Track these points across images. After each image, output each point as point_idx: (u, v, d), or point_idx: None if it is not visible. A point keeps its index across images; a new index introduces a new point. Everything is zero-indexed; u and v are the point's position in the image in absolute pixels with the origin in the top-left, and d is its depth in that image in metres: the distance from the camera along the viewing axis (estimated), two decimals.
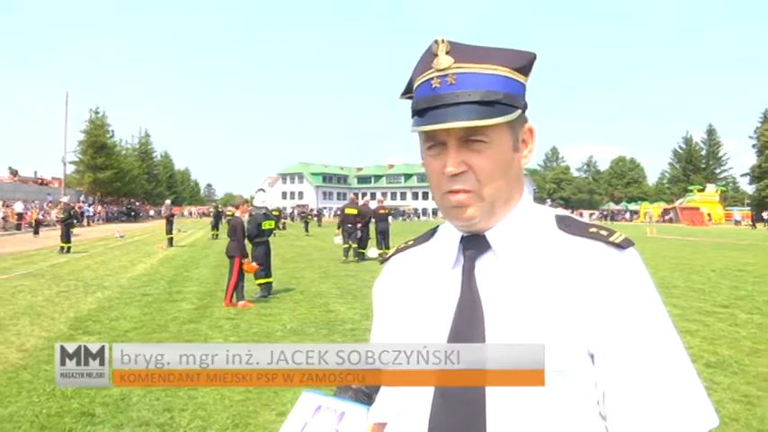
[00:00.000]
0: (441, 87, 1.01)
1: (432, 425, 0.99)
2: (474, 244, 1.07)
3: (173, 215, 26.27)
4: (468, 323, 1.01)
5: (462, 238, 1.08)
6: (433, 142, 1.03)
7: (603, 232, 1.02)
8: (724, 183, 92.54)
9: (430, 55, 1.03)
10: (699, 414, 0.94)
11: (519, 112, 1.03)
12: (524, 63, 1.04)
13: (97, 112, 63.20)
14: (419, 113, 1.04)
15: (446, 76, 1.00)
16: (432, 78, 1.02)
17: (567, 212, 1.12)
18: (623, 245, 1.00)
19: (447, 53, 1.00)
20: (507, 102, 1.00)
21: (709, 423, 0.94)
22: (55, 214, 35.65)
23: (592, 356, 0.97)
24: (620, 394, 0.95)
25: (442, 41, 1.01)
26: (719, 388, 5.36)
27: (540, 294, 0.98)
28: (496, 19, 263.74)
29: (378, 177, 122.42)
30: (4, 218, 34.97)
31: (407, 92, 1.11)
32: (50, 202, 46.12)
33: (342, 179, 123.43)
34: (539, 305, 0.97)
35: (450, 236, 1.12)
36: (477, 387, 0.97)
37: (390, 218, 22.02)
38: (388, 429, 1.12)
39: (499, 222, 1.06)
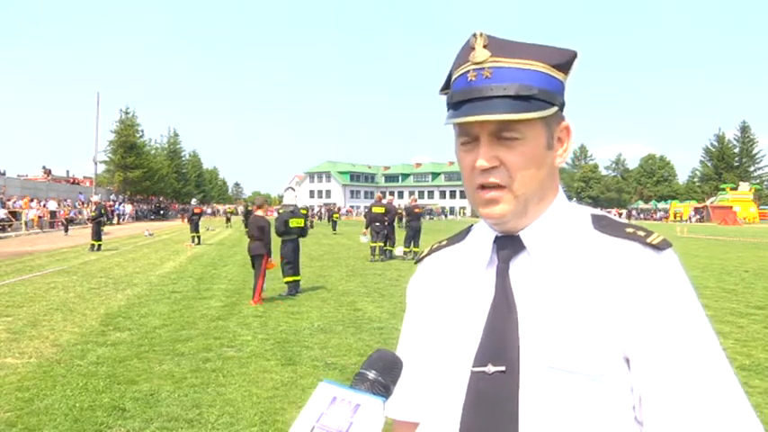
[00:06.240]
0: (476, 80, 0.99)
1: (463, 427, 0.98)
2: (508, 244, 1.05)
3: (195, 215, 25.88)
4: (501, 324, 0.99)
5: (496, 238, 1.06)
6: (467, 137, 1.01)
7: (641, 233, 0.99)
8: (758, 181, 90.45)
9: (467, 48, 1.01)
10: (741, 423, 0.89)
11: (555, 109, 1.00)
12: (563, 60, 1.01)
13: (127, 112, 64.11)
14: (454, 106, 1.01)
15: (482, 69, 0.98)
16: (468, 71, 1.00)
17: (603, 212, 1.09)
18: (661, 246, 0.97)
19: (484, 47, 0.99)
20: (543, 98, 0.98)
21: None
22: (87, 213, 36.29)
23: (627, 361, 0.94)
24: (657, 400, 0.92)
25: (480, 35, 0.99)
26: (755, 392, 5.25)
27: (576, 296, 0.96)
28: (527, 16, 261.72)
29: (405, 176, 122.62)
30: (39, 216, 35.68)
31: (446, 87, 1.09)
32: (82, 201, 46.94)
33: (369, 178, 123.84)
34: (574, 307, 0.95)
35: (484, 236, 1.10)
36: (510, 390, 0.95)
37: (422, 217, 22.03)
38: (418, 430, 1.10)
39: (533, 222, 1.04)
